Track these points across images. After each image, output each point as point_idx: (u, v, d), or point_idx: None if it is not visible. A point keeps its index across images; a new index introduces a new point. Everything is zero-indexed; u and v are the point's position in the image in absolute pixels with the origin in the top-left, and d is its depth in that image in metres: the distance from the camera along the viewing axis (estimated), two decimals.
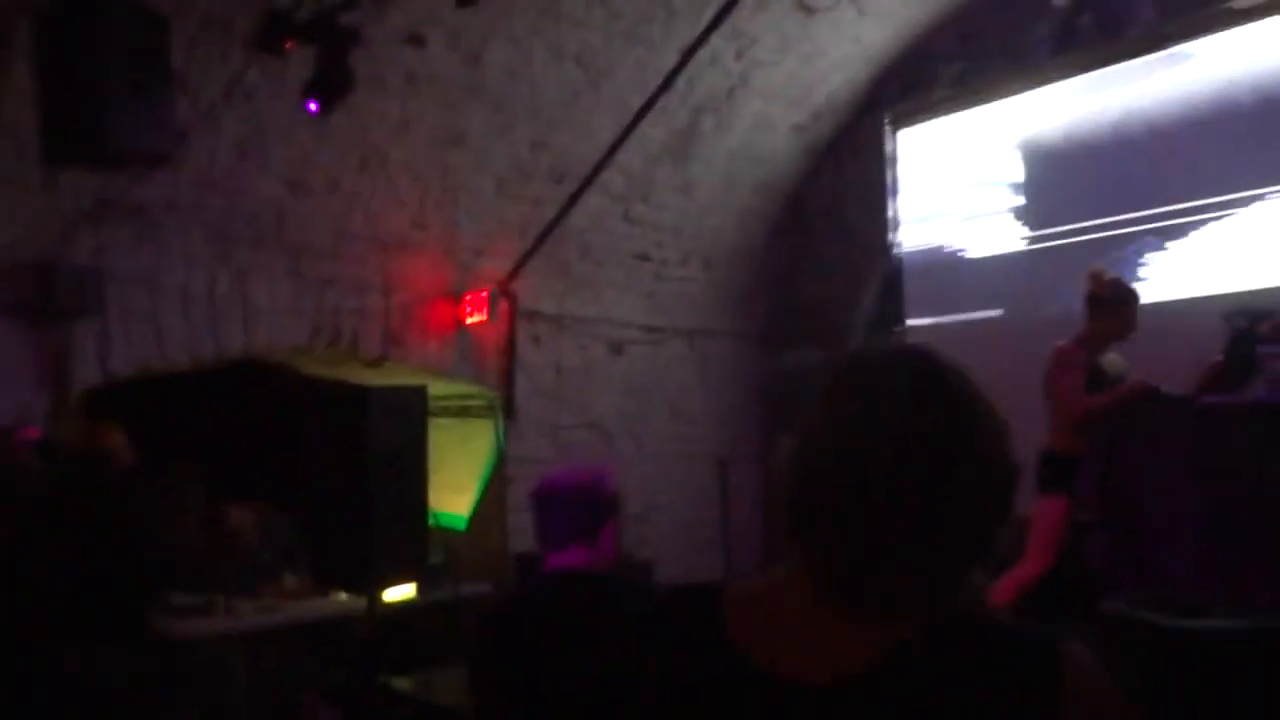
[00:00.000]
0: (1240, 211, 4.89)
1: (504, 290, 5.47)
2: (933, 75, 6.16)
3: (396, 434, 4.49)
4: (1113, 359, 4.21)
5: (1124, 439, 3.40)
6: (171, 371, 4.38)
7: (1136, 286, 4.39)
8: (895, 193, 6.37)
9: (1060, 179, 5.59)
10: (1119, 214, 5.32)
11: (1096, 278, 4.27)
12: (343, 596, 4.69)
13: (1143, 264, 5.17)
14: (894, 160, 6.37)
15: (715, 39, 4.81)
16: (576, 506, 2.14)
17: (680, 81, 4.97)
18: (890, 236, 6.37)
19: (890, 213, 6.37)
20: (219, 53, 4.06)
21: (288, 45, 4.09)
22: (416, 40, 4.53)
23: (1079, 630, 3.81)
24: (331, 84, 3.87)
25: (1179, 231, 5.10)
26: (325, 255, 4.81)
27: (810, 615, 0.99)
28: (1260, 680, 2.38)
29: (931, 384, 1.00)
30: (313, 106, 3.92)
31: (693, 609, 1.08)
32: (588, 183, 5.16)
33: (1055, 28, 5.57)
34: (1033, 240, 5.68)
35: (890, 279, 6.38)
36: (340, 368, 5.15)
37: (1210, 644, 2.45)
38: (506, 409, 5.61)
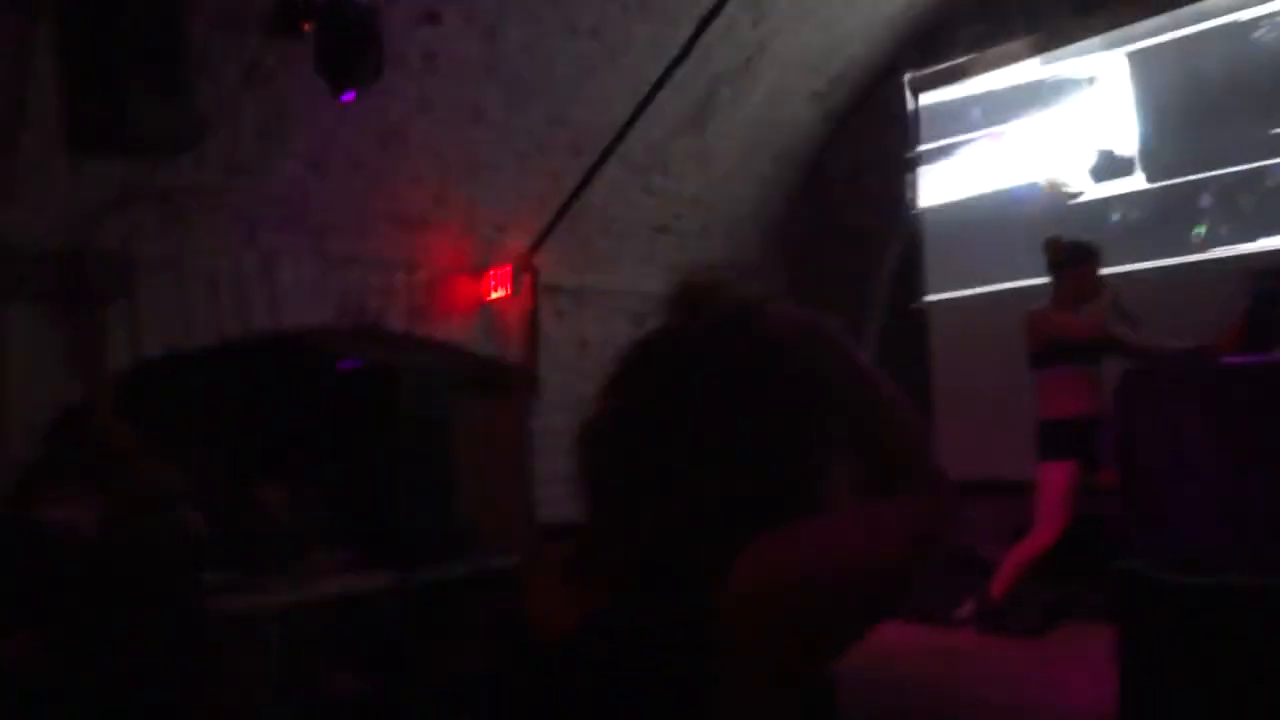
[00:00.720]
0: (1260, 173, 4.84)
1: (526, 265, 5.51)
2: (952, 39, 6.10)
3: (424, 411, 4.55)
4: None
5: (1142, 400, 3.39)
6: (201, 352, 4.45)
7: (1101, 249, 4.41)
8: (916, 160, 6.33)
9: (1083, 144, 5.54)
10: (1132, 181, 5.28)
11: (1052, 245, 4.38)
12: (374, 572, 4.77)
13: (1166, 224, 5.13)
14: (915, 126, 6.33)
15: (731, 8, 4.79)
16: None
17: (697, 52, 4.95)
18: (911, 203, 6.34)
19: (911, 180, 6.34)
20: (237, 37, 4.09)
21: (305, 27, 4.12)
22: (433, 18, 4.54)
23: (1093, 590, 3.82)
24: (351, 65, 3.89)
25: (1195, 195, 5.06)
26: (349, 234, 4.86)
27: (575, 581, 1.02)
28: (1272, 637, 2.40)
29: (674, 361, 0.99)
30: (348, 96, 3.95)
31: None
32: (606, 155, 5.16)
33: None
34: (1055, 206, 5.64)
35: (911, 247, 6.36)
36: (368, 346, 5.21)
37: (1221, 600, 2.47)
38: (531, 384, 5.66)
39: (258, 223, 4.54)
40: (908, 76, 6.31)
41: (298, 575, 4.74)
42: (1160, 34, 5.24)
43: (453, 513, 4.82)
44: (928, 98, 6.27)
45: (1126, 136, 5.35)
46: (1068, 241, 4.51)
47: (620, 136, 5.10)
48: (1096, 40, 5.46)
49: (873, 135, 6.51)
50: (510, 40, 4.85)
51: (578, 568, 1.03)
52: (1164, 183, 5.19)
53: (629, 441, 0.99)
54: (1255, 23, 4.90)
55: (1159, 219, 5.18)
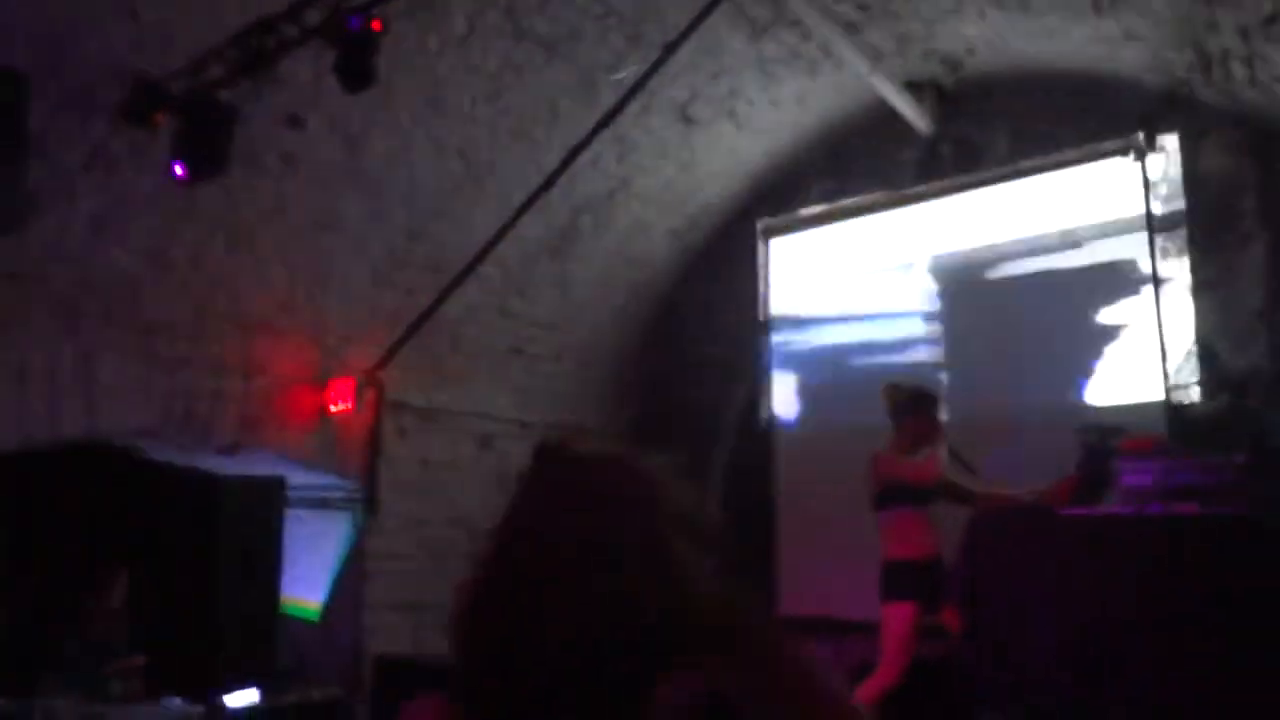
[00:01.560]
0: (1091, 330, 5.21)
1: (371, 380, 5.31)
2: (805, 189, 6.41)
3: (250, 527, 4.25)
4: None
5: (987, 546, 3.48)
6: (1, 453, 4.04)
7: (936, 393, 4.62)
8: (766, 300, 6.53)
9: (920, 296, 5.85)
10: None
11: (890, 390, 4.52)
12: (177, 702, 4.33)
13: (998, 373, 5.42)
14: (765, 269, 6.56)
15: (598, 142, 4.89)
16: None
17: (562, 180, 5.01)
18: (760, 342, 6.51)
19: (761, 319, 6.53)
20: (81, 119, 3.88)
21: (158, 119, 3.95)
22: (296, 121, 4.44)
23: None
24: (203, 157, 3.74)
25: (1033, 347, 5.39)
26: (183, 334, 4.58)
27: None
28: None
29: (534, 511, 1.00)
30: (179, 170, 3.76)
31: None
32: (465, 273, 5.10)
33: (919, 153, 5.89)
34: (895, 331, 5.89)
35: (759, 384, 6.50)
36: (193, 455, 4.86)
37: None
38: (368, 503, 5.39)
39: (81, 315, 4.23)
40: (760, 223, 6.57)
41: (92, 697, 4.26)
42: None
43: (273, 636, 4.47)
44: (778, 243, 6.53)
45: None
46: (907, 387, 4.66)
47: (480, 257, 5.06)
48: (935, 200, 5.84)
49: (726, 275, 6.70)
50: (374, 151, 4.79)
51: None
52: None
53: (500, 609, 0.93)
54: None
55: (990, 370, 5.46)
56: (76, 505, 4.87)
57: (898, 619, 4.33)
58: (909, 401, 4.54)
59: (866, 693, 4.38)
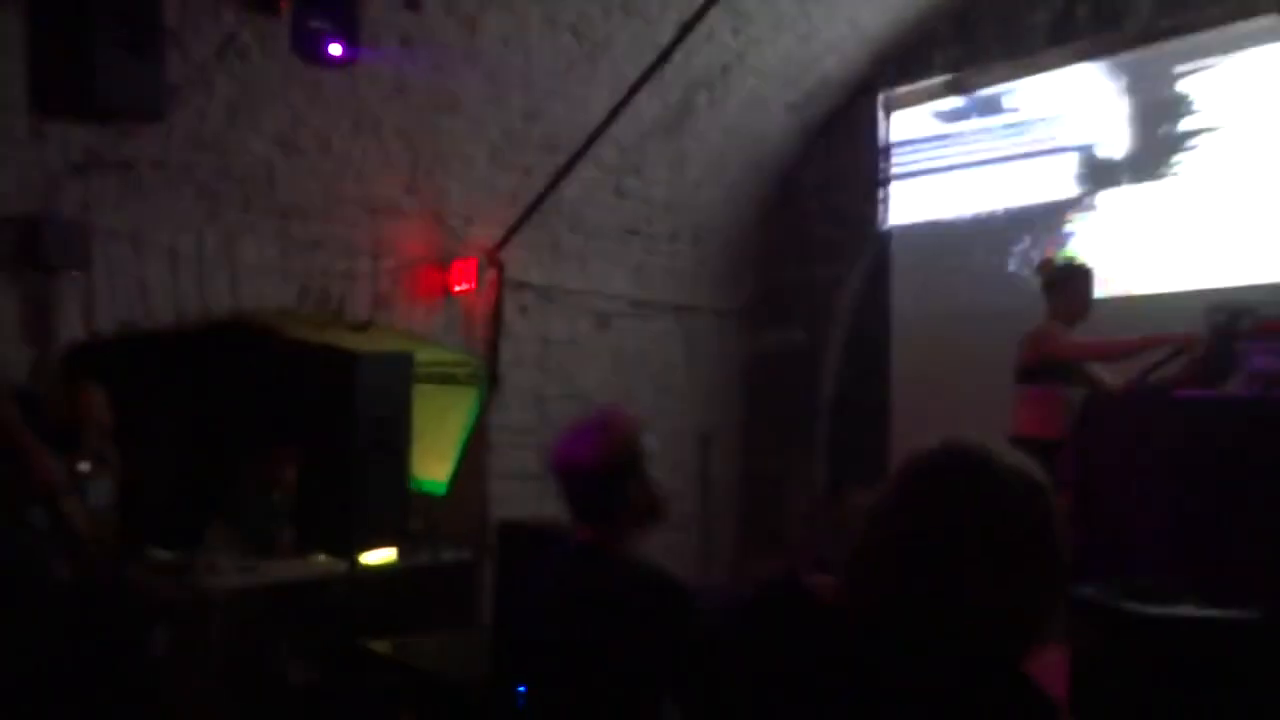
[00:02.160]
0: (1227, 206, 4.94)
1: (492, 259, 5.47)
2: (928, 60, 6.16)
3: (382, 399, 4.50)
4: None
5: (1100, 429, 3.44)
6: (157, 330, 4.36)
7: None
8: (888, 177, 6.38)
9: (1053, 162, 5.62)
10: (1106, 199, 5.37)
11: (1045, 265, 4.46)
12: (323, 559, 4.72)
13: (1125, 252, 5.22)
14: (888, 144, 6.38)
15: (713, 15, 4.79)
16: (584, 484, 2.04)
17: (676, 56, 4.94)
18: (880, 220, 6.40)
19: (881, 196, 6.40)
20: (212, 11, 4.02)
21: (282, 5, 4.07)
22: (412, 4, 4.50)
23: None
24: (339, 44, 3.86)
25: (1163, 221, 5.16)
26: (315, 217, 4.79)
27: None
28: (1224, 668, 2.44)
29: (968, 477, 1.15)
30: (337, 49, 3.89)
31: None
32: (580, 154, 5.14)
33: (1052, 16, 5.57)
34: (1019, 221, 5.71)
35: (879, 263, 6.41)
36: (327, 331, 5.14)
37: (1177, 631, 2.50)
38: (491, 378, 5.63)
39: (222, 200, 4.46)
40: (882, 95, 6.37)
41: (252, 557, 4.69)
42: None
43: (407, 503, 4.78)
44: (901, 117, 6.33)
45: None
46: (1062, 261, 4.57)
47: (595, 136, 5.08)
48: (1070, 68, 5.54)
49: (845, 150, 6.55)
50: (490, 31, 4.82)
51: None
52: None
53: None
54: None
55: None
56: (227, 378, 5.25)
57: None
58: (1062, 274, 4.44)
59: None
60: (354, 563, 4.42)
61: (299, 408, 4.86)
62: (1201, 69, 5.05)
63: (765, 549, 6.72)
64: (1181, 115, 5.13)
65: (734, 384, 6.87)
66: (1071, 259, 4.62)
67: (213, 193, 4.42)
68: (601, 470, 2.00)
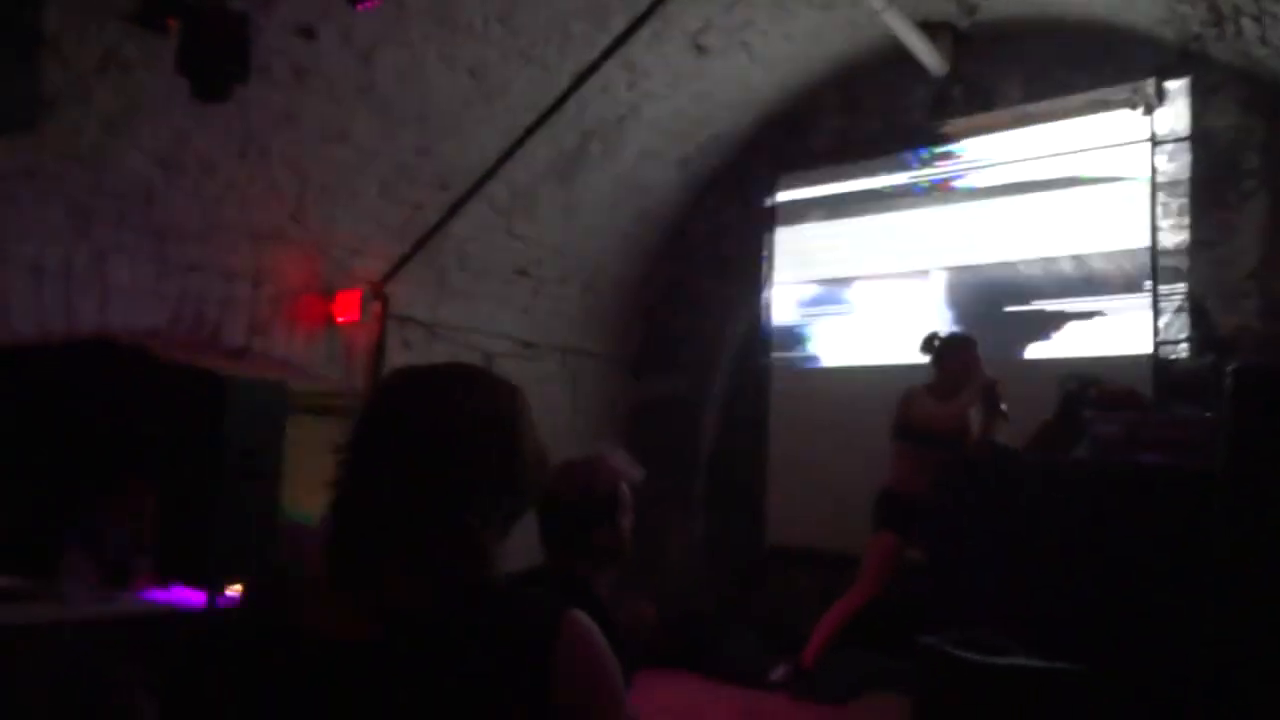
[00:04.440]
0: (1087, 281, 5.26)
1: (377, 292, 5.43)
2: (815, 126, 6.42)
3: (254, 428, 4.40)
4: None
5: (953, 488, 3.61)
6: (16, 346, 4.20)
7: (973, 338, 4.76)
8: (772, 232, 6.59)
9: (926, 234, 5.89)
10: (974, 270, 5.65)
11: (928, 339, 4.76)
12: (179, 590, 4.55)
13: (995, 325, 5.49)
14: (773, 203, 6.60)
15: (609, 67, 4.93)
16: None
17: (571, 104, 5.05)
18: (764, 275, 6.59)
19: (765, 252, 6.59)
20: (96, 22, 3.94)
21: (170, 23, 4.01)
22: (307, 33, 4.49)
23: (897, 661, 4.01)
24: (221, 71, 3.80)
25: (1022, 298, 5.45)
26: (193, 239, 4.70)
27: (339, 584, 1.16)
28: (1048, 714, 2.58)
29: (418, 391, 1.26)
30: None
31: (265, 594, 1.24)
32: (473, 191, 5.18)
33: (930, 95, 5.89)
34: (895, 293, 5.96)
35: (760, 316, 6.60)
36: (201, 356, 5.02)
37: (1006, 680, 2.64)
38: None
39: (95, 216, 4.34)
40: (769, 156, 6.59)
41: (106, 587, 4.49)
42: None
43: (274, 535, 4.66)
44: (787, 178, 6.56)
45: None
46: (946, 334, 4.82)
47: (489, 175, 5.13)
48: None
49: (733, 206, 6.75)
50: (385, 66, 4.84)
51: (344, 575, 1.17)
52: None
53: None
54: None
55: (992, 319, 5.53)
56: (89, 397, 5.06)
57: (877, 545, 4.54)
58: (943, 345, 4.69)
59: (835, 612, 4.59)
60: (212, 598, 4.28)
61: (165, 432, 4.71)
62: (1066, 151, 5.39)
63: (640, 599, 6.75)
64: (1044, 192, 5.45)
65: (617, 430, 6.93)
66: (954, 332, 4.88)
67: (85, 208, 4.30)
68: (572, 508, 2.11)
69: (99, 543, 4.75)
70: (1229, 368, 2.61)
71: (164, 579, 4.70)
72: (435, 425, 1.18)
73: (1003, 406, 4.43)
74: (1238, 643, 2.42)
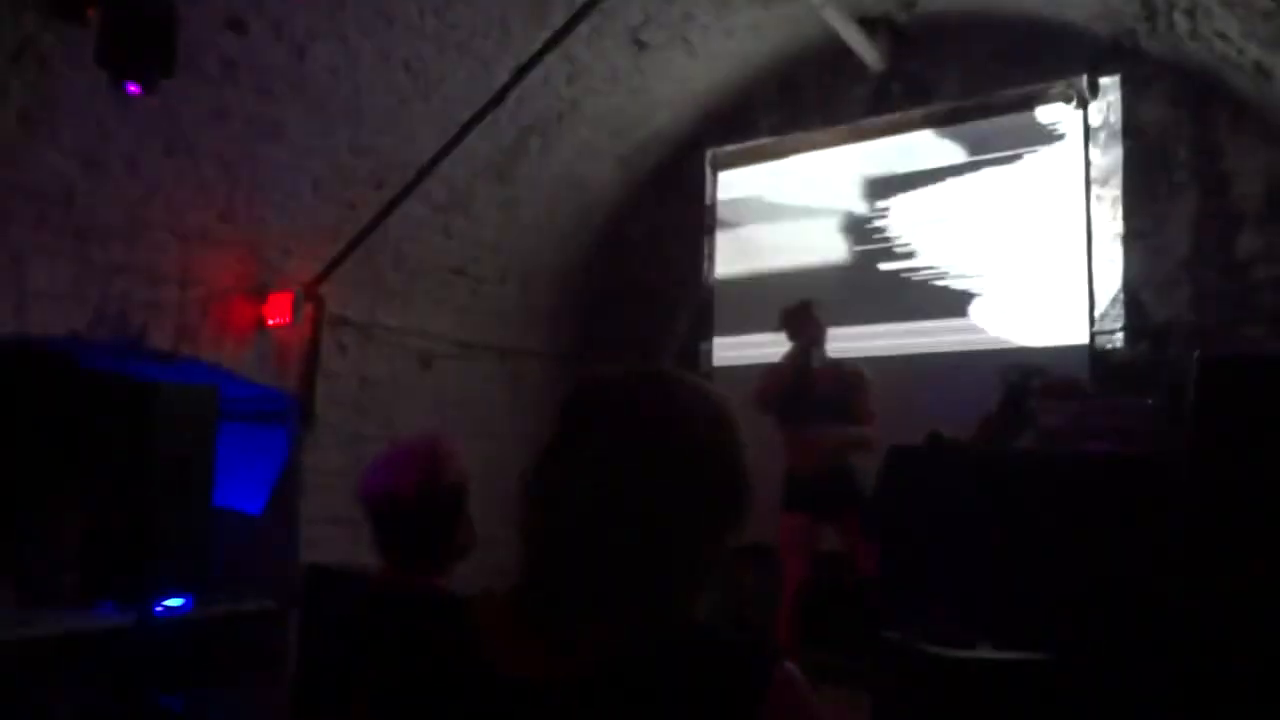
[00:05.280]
0: (1022, 272, 5.33)
1: (310, 294, 5.27)
2: (755, 121, 6.42)
3: (184, 435, 4.24)
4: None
5: (900, 481, 3.61)
6: None
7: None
8: (712, 229, 6.57)
9: (864, 227, 5.92)
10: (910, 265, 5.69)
11: (783, 313, 4.90)
12: (109, 607, 4.36)
13: (931, 311, 5.53)
14: (713, 198, 6.57)
15: (548, 62, 4.84)
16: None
17: (510, 100, 4.94)
18: (705, 270, 6.56)
19: (706, 248, 6.57)
20: (11, 12, 3.74)
21: (89, 12, 3.83)
22: (237, 26, 4.33)
23: (860, 657, 4.01)
24: (150, 64, 3.63)
25: (966, 284, 5.50)
26: (118, 240, 4.49)
27: (533, 622, 1.05)
28: (1019, 707, 2.57)
29: (616, 407, 1.08)
30: (133, 89, 3.65)
31: (439, 619, 1.12)
32: (408, 190, 5.04)
33: (869, 89, 5.92)
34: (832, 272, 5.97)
35: (702, 311, 6.57)
36: (126, 362, 4.81)
37: (975, 673, 2.63)
38: (304, 416, 5.39)
39: (12, 217, 4.13)
40: (709, 152, 6.57)
41: (30, 606, 4.28)
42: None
43: (206, 547, 4.50)
44: (726, 175, 6.54)
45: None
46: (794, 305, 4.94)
47: (425, 173, 5.00)
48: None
49: (673, 203, 6.71)
50: (319, 61, 4.69)
51: (542, 613, 1.05)
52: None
53: (578, 488, 1.05)
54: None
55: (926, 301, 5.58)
56: (7, 407, 4.82)
57: (785, 529, 4.60)
58: (785, 315, 4.79)
59: (782, 610, 4.57)
60: (144, 611, 4.10)
61: (91, 442, 4.51)
62: (1002, 147, 5.46)
63: None
64: (985, 184, 5.52)
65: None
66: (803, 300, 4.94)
67: (1, 208, 4.08)
68: (426, 505, 1.92)
69: (21, 560, 4.54)
70: (1195, 355, 2.64)
71: (91, 596, 4.50)
72: (646, 449, 1.04)
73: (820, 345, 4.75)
74: (1208, 626, 2.45)
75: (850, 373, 4.77)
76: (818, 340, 4.78)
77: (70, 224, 4.30)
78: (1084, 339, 5.08)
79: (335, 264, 5.25)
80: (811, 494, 4.58)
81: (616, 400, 1.09)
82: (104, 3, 3.71)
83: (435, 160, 4.93)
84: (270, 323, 5.16)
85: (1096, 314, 5.10)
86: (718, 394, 1.14)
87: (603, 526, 1.01)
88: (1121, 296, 5.09)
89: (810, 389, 4.67)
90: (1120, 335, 5.06)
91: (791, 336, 4.80)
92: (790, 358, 4.77)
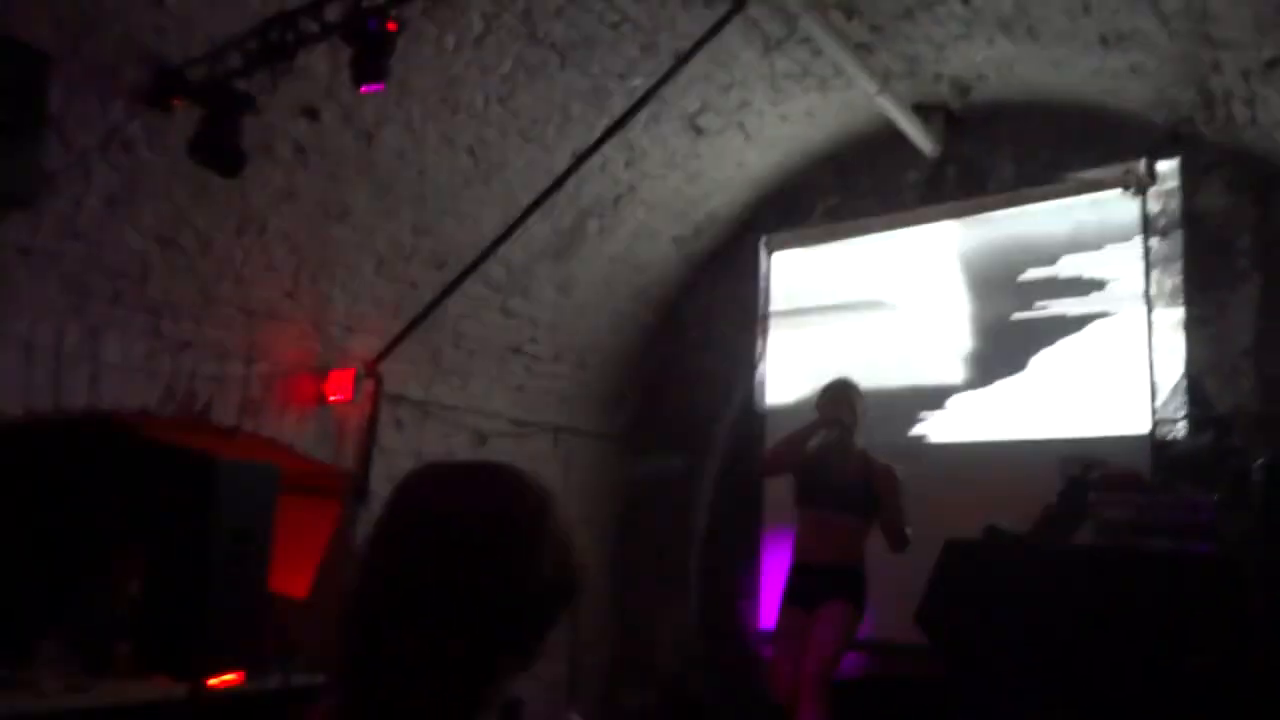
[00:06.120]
0: (1082, 360, 5.26)
1: (370, 371, 5.37)
2: (810, 205, 6.48)
3: (244, 510, 4.31)
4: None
5: (957, 570, 3.54)
6: (4, 425, 4.10)
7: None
8: (767, 314, 6.59)
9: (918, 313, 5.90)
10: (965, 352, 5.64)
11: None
12: (164, 677, 4.39)
13: (987, 402, 5.47)
14: (767, 281, 6.61)
15: (607, 147, 4.96)
16: None
17: (570, 184, 5.07)
18: (759, 353, 6.57)
19: (760, 331, 6.59)
20: (99, 100, 3.94)
21: (175, 102, 4.02)
22: (310, 113, 4.51)
23: None
24: (224, 153, 3.81)
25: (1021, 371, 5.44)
26: (188, 317, 4.64)
27: None
28: None
29: (409, 521, 1.07)
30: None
31: None
32: (470, 270, 5.16)
33: (924, 175, 5.96)
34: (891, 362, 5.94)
35: (755, 393, 6.56)
36: (191, 435, 4.92)
37: None
38: (360, 492, 5.45)
39: (90, 293, 4.29)
40: (764, 236, 6.63)
41: (83, 675, 4.32)
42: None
43: (261, 622, 4.52)
44: (781, 258, 6.59)
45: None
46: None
47: (485, 255, 5.12)
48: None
49: (727, 285, 6.76)
50: (386, 145, 4.86)
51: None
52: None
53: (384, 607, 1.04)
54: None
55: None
56: (77, 478, 4.94)
57: (781, 622, 4.45)
58: (819, 396, 4.66)
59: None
60: (197, 685, 4.13)
61: (151, 514, 4.60)
62: (1059, 232, 5.43)
63: (634, 681, 6.59)
64: (1040, 268, 5.48)
65: (610, 510, 6.83)
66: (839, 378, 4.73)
67: (80, 285, 4.24)
68: None
69: (80, 626, 4.60)
70: (1258, 462, 2.57)
71: (144, 667, 4.54)
72: (433, 531, 1.04)
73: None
74: None
75: (880, 467, 4.43)
76: (845, 423, 4.48)
77: (144, 301, 4.46)
78: (1145, 429, 4.97)
79: (396, 342, 5.36)
80: (812, 589, 4.31)
81: (410, 500, 1.09)
82: (192, 95, 3.90)
83: (497, 242, 5.05)
84: (331, 399, 5.26)
85: (1158, 403, 5.00)
86: (537, 494, 1.13)
87: (389, 608, 1.02)
88: (1184, 385, 4.99)
89: (830, 473, 4.44)
90: (1182, 425, 4.95)
91: (821, 414, 4.60)
92: (803, 430, 4.54)
